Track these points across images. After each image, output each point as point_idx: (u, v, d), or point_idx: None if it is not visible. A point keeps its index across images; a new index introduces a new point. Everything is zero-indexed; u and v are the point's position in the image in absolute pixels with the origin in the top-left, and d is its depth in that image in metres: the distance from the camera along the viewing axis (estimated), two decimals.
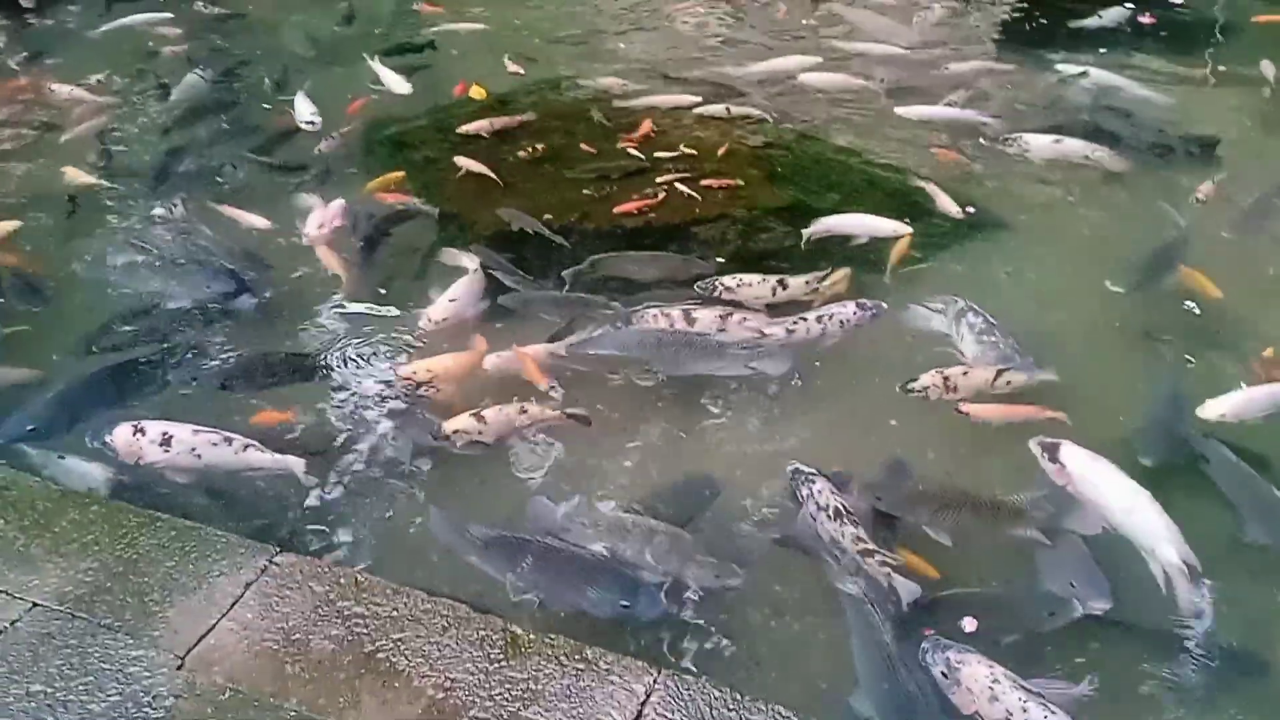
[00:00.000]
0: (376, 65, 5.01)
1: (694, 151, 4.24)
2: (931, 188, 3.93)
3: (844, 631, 2.36)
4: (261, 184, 4.26)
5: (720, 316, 3.22)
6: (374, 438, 2.98)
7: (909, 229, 3.71)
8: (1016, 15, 5.82)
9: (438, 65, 5.24)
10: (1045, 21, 5.66)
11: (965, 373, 3.03)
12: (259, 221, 3.91)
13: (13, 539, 2.32)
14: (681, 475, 2.84)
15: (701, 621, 2.43)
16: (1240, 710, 2.28)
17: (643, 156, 4.22)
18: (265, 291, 3.56)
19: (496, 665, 2.03)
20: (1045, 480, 2.72)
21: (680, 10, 5.93)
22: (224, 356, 3.29)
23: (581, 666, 2.04)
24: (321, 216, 3.85)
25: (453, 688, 1.99)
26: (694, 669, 2.28)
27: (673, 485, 2.80)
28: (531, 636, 2.10)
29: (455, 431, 2.89)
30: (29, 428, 2.93)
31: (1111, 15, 5.46)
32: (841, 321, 3.26)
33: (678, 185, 3.97)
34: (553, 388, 3.09)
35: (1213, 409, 2.92)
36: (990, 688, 2.17)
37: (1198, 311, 3.39)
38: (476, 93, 4.88)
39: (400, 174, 4.24)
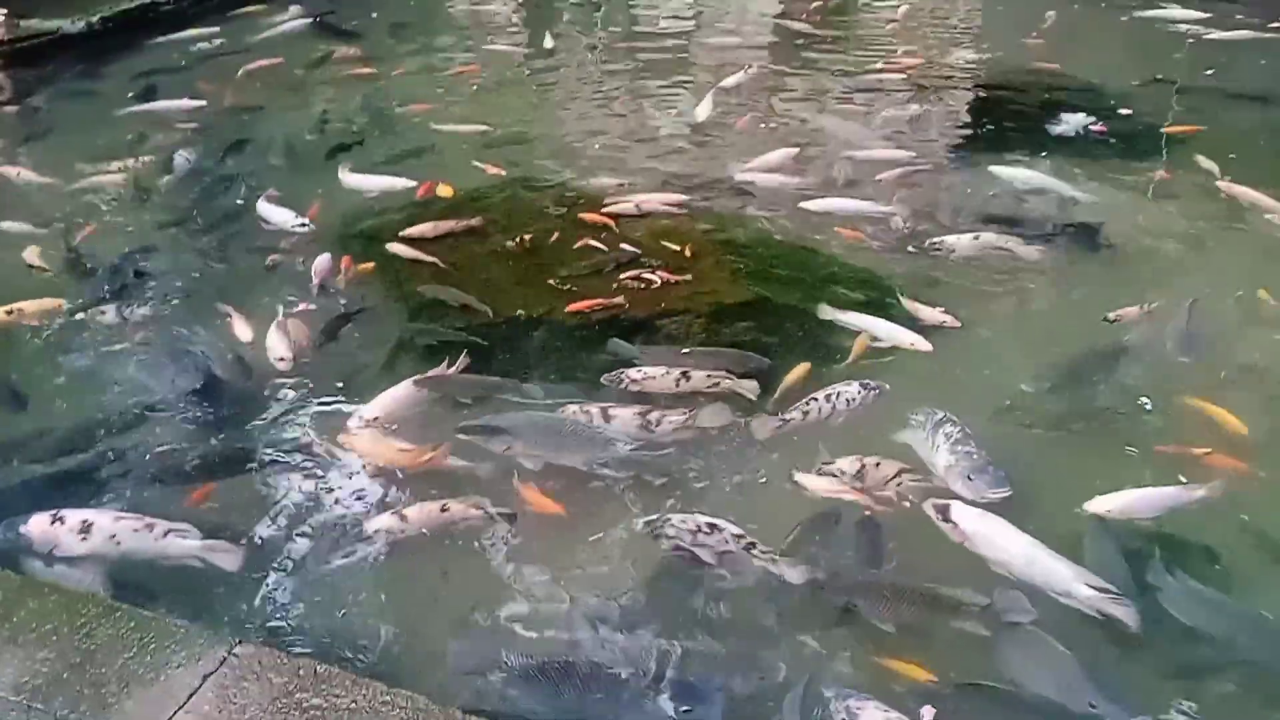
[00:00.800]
0: (346, 175, 5.12)
1: (676, 247, 4.36)
2: (911, 304, 3.99)
3: None
4: (233, 283, 4.29)
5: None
6: (312, 528, 2.99)
7: (927, 345, 3.75)
8: (979, 119, 6.06)
9: (434, 163, 5.37)
10: (1008, 126, 5.88)
11: (878, 464, 3.11)
12: (242, 332, 3.90)
13: None
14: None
15: None
16: None
17: (605, 248, 4.37)
18: (228, 385, 3.59)
19: None
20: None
21: (658, 119, 6.12)
22: (162, 450, 3.28)
23: None
24: (284, 338, 3.79)
25: None
26: None
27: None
28: None
29: (377, 530, 2.91)
30: None
31: (1073, 121, 5.69)
32: (848, 400, 3.40)
33: (641, 278, 4.10)
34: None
35: (1099, 504, 2.97)
36: None
37: (1149, 408, 3.50)
38: (444, 191, 4.95)
39: (370, 265, 4.34)
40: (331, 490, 3.13)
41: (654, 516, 2.94)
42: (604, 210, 4.70)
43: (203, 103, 6.13)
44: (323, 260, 4.25)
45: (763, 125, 5.85)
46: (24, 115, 6.19)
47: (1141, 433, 3.37)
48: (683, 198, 4.86)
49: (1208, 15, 7.41)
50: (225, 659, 2.24)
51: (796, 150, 5.39)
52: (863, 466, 3.11)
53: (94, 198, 5.02)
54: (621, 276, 4.15)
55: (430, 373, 3.54)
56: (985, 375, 3.67)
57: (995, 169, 5.17)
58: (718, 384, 3.49)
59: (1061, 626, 2.60)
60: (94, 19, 7.14)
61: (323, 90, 6.44)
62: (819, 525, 2.93)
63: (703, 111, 5.88)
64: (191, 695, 2.14)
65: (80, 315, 3.98)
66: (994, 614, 2.61)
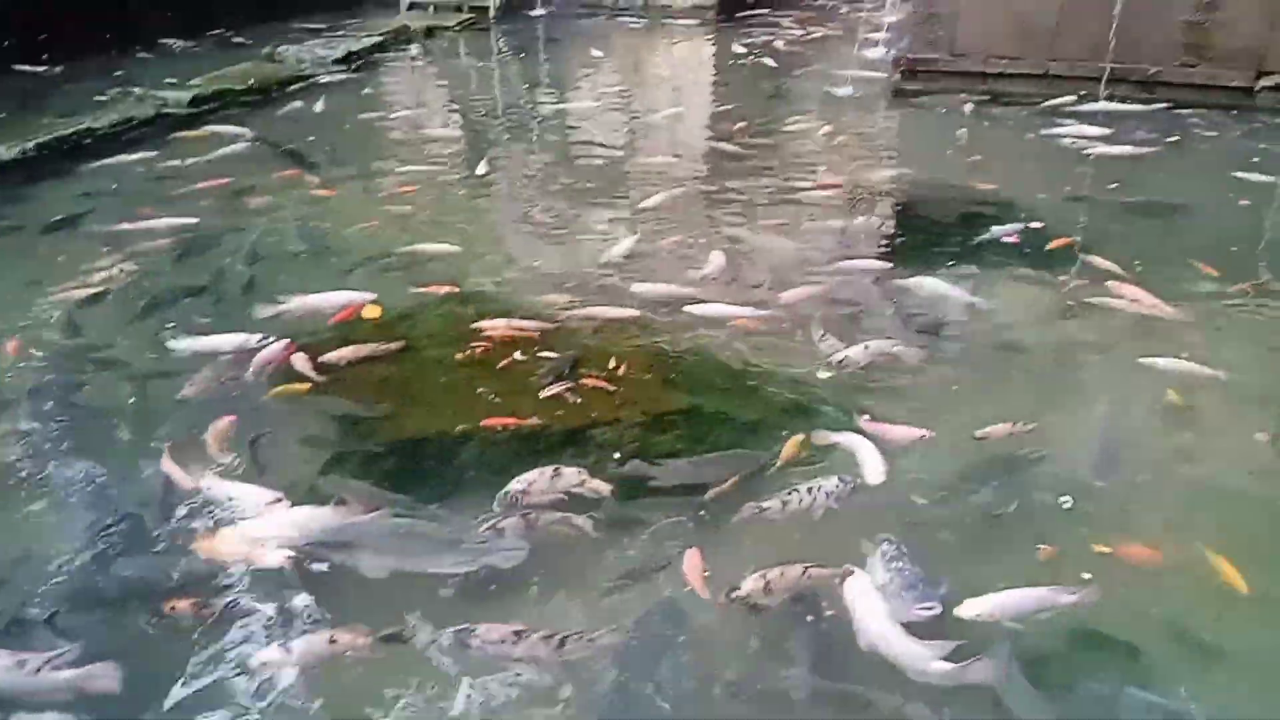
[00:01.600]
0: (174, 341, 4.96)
1: (611, 361, 4.43)
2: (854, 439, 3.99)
3: None
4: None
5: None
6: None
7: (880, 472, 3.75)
8: (900, 232, 6.31)
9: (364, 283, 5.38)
10: (927, 238, 6.12)
11: (781, 573, 3.13)
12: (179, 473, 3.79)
13: None
14: None
15: None
16: None
17: (537, 360, 4.44)
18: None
19: None
20: None
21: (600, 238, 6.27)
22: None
23: None
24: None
25: None
26: None
27: None
28: None
29: (263, 664, 2.85)
30: None
31: (996, 233, 5.97)
32: (827, 493, 3.51)
33: (576, 388, 4.17)
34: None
35: (970, 609, 3.00)
36: None
37: (1068, 506, 3.59)
38: (370, 312, 4.95)
39: (306, 385, 4.35)
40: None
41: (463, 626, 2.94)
42: (534, 325, 4.78)
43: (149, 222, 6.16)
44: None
45: (689, 244, 6.01)
46: None
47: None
48: (619, 311, 4.96)
49: (1109, 131, 7.88)
50: None
51: (722, 263, 5.56)
52: (767, 582, 3.11)
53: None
54: (551, 390, 4.20)
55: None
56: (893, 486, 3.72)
57: (904, 281, 5.35)
58: (584, 480, 3.57)
59: None
60: (29, 145, 7.20)
61: (258, 213, 6.50)
62: None
63: (626, 242, 5.99)
64: None
65: None
66: None
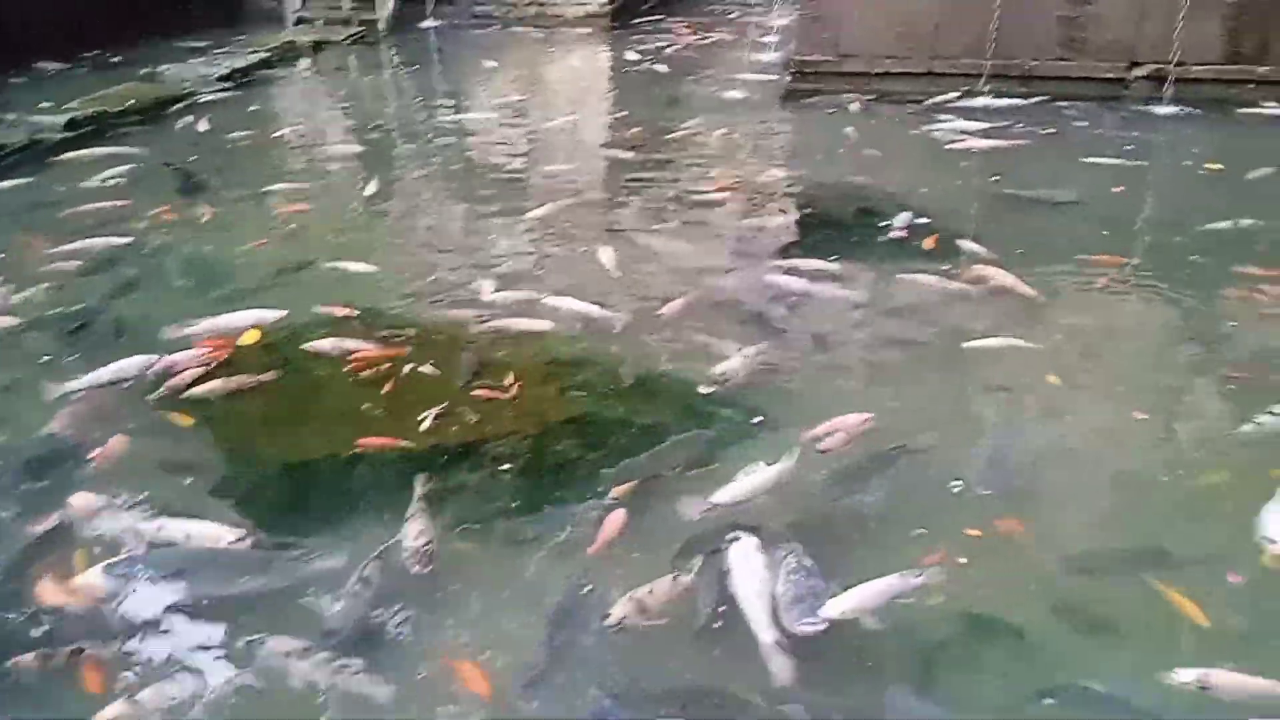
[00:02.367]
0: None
1: (509, 375, 4.39)
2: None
3: None
4: None
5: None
6: None
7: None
8: (796, 230, 6.40)
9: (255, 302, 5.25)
10: (822, 235, 6.20)
11: (650, 591, 3.04)
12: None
13: None
14: None
15: None
16: None
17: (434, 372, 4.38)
18: None
19: None
20: None
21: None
22: None
23: None
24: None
25: None
26: None
27: None
28: None
29: None
30: None
31: (898, 222, 6.12)
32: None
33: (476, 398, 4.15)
34: None
35: (833, 608, 2.96)
36: None
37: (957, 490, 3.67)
38: (249, 338, 4.74)
39: (190, 420, 4.21)
40: None
41: None
42: (403, 340, 4.74)
43: None
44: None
45: (584, 252, 6.01)
46: None
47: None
48: (525, 323, 4.93)
49: (989, 125, 8.13)
50: None
51: (614, 267, 5.59)
52: (637, 602, 3.01)
53: None
54: (433, 415, 4.08)
55: None
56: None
57: (793, 281, 5.43)
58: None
59: None
60: None
61: (142, 237, 6.29)
62: None
63: (522, 251, 5.94)
64: None
65: None
66: None
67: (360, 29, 12.87)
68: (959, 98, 8.94)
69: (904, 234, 6.06)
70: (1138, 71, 8.88)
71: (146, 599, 3.15)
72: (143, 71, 10.57)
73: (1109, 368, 4.57)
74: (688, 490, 3.63)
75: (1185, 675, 2.75)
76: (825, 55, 9.55)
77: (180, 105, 9.59)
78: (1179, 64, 8.60)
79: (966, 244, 5.77)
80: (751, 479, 3.60)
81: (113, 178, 7.38)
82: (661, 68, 11.31)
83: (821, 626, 2.91)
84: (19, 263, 5.85)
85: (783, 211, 6.79)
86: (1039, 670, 2.89)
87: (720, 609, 3.07)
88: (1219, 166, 7.19)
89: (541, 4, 13.70)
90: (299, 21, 13.18)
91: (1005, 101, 8.80)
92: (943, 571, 3.18)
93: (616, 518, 3.46)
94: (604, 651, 2.95)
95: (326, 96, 10.97)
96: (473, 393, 4.28)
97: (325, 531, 3.49)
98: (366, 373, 4.49)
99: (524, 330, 4.91)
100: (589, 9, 13.57)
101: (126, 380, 4.44)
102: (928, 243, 5.86)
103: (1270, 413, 3.97)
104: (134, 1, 12.16)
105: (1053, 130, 8.13)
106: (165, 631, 3.06)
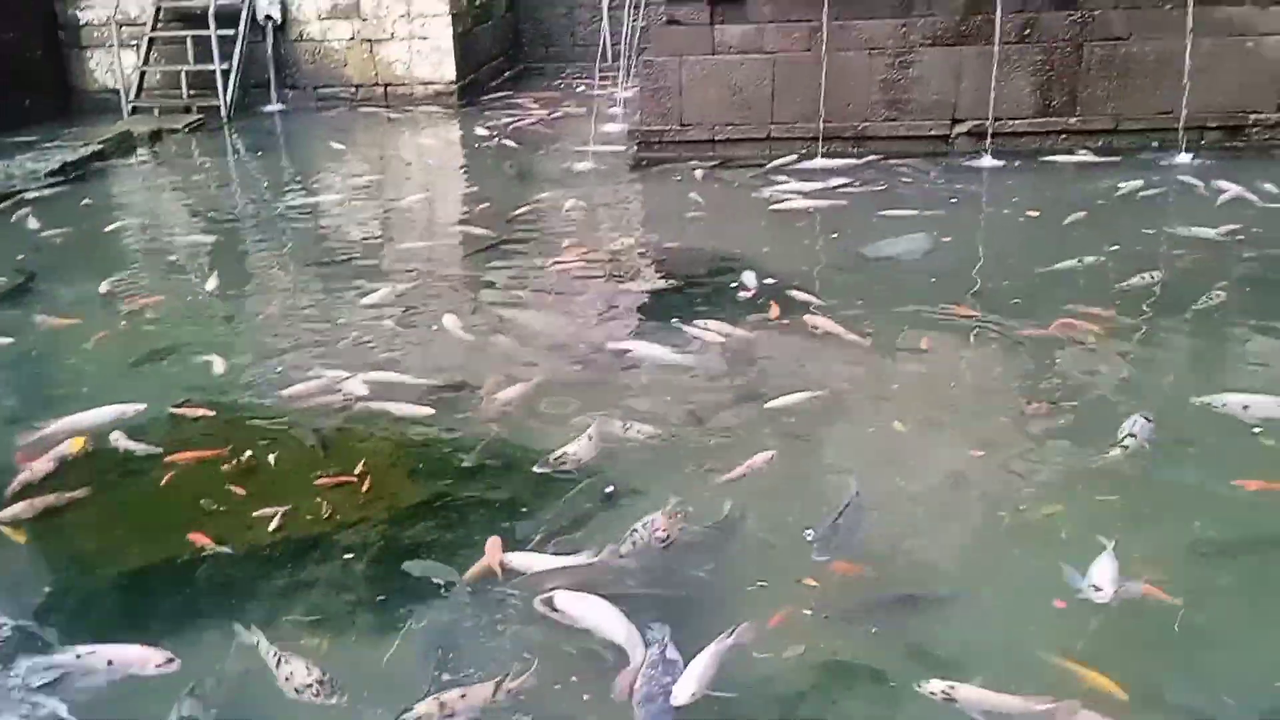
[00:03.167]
0: None
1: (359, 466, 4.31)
2: None
3: None
4: None
5: None
6: None
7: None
8: (641, 295, 6.54)
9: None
10: (675, 298, 6.38)
11: (463, 695, 2.92)
12: None
13: None
14: None
15: None
16: None
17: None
18: None
19: None
20: None
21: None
22: None
23: None
24: None
25: None
26: None
27: None
28: None
29: None
30: None
31: (748, 281, 6.33)
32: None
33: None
34: None
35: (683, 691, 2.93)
36: None
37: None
38: (72, 447, 4.44)
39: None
40: None
41: None
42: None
43: None
44: None
45: (435, 327, 6.00)
46: None
47: None
48: (376, 405, 4.87)
49: (822, 186, 8.51)
50: None
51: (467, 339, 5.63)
52: (443, 704, 2.87)
53: None
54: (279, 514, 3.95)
55: None
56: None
57: (636, 348, 5.56)
58: None
59: None
60: None
61: None
62: None
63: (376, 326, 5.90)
64: None
65: None
66: None
67: (200, 116, 12.56)
68: (796, 160, 9.32)
69: (752, 292, 6.25)
70: (959, 128, 9.44)
71: None
72: None
73: (947, 408, 4.79)
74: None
75: (934, 686, 2.91)
76: (668, 125, 9.83)
77: (7, 203, 9.18)
78: (996, 119, 9.19)
79: (803, 296, 6.04)
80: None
81: None
82: (511, 142, 11.42)
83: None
84: None
85: (633, 278, 6.94)
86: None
87: None
88: (1037, 213, 7.68)
89: (389, 83, 13.69)
90: (135, 111, 12.81)
91: (839, 162, 9.23)
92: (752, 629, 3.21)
93: None
94: None
95: (169, 186, 10.66)
96: (319, 481, 4.19)
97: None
98: (199, 471, 4.35)
99: (375, 412, 4.85)
100: (437, 86, 13.61)
101: None
102: (773, 310, 6.00)
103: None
104: None
105: (883, 186, 8.55)
106: None
